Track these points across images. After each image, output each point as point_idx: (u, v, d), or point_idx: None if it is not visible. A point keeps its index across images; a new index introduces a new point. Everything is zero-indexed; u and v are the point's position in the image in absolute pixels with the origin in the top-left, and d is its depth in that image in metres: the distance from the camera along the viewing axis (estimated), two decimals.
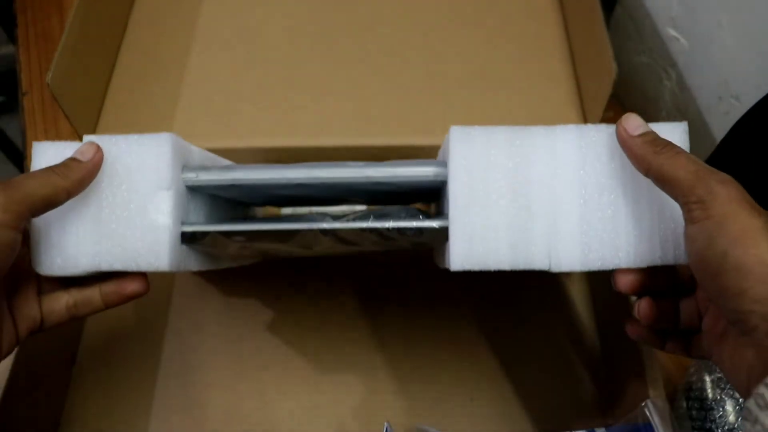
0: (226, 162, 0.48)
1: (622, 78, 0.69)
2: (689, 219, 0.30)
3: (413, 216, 0.37)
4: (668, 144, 0.33)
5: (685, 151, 0.32)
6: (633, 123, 0.34)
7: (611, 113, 0.70)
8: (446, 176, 0.37)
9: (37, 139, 0.68)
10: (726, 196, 0.29)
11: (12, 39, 0.81)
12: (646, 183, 0.34)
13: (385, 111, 0.56)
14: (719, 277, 0.28)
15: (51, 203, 0.34)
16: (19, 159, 1.11)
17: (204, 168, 0.39)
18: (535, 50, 0.60)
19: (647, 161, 0.33)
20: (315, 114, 0.56)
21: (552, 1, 0.64)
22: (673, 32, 0.61)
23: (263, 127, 0.55)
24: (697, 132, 0.61)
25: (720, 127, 0.57)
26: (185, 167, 0.38)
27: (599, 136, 0.36)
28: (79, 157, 0.35)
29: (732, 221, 0.28)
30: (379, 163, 0.39)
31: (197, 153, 0.42)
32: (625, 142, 0.34)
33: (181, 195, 0.38)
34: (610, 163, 0.36)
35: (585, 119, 0.55)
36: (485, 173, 0.36)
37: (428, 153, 0.55)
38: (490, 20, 0.62)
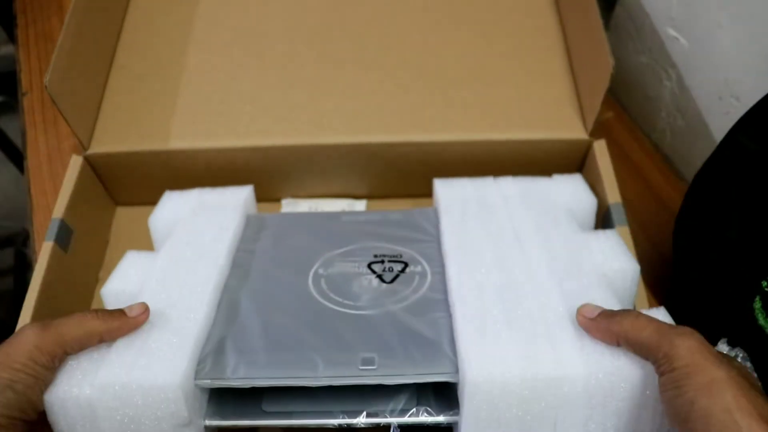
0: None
1: (621, 78, 0.69)
2: (659, 372, 0.33)
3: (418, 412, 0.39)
4: (624, 311, 0.36)
5: (642, 313, 0.36)
6: (588, 308, 0.38)
7: (611, 114, 0.70)
8: (457, 380, 0.37)
9: (36, 139, 0.68)
10: (687, 348, 0.32)
11: (12, 39, 0.81)
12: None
13: (383, 108, 0.56)
14: (688, 424, 0.31)
15: (84, 344, 0.37)
16: (19, 159, 1.11)
17: (218, 376, 0.39)
18: (531, 46, 0.60)
19: (613, 334, 0.36)
20: (313, 112, 0.56)
21: (550, 5, 0.64)
22: (672, 32, 0.61)
23: (262, 125, 0.55)
24: (697, 132, 0.61)
25: (720, 127, 0.57)
26: (197, 374, 0.38)
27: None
28: (126, 311, 0.39)
29: (697, 372, 0.31)
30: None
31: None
32: (588, 328, 0.37)
33: (197, 398, 0.39)
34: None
35: (582, 114, 0.55)
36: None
37: (425, 149, 0.55)
38: (486, 17, 0.62)
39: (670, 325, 0.34)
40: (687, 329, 0.33)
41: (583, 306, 0.38)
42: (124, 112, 0.57)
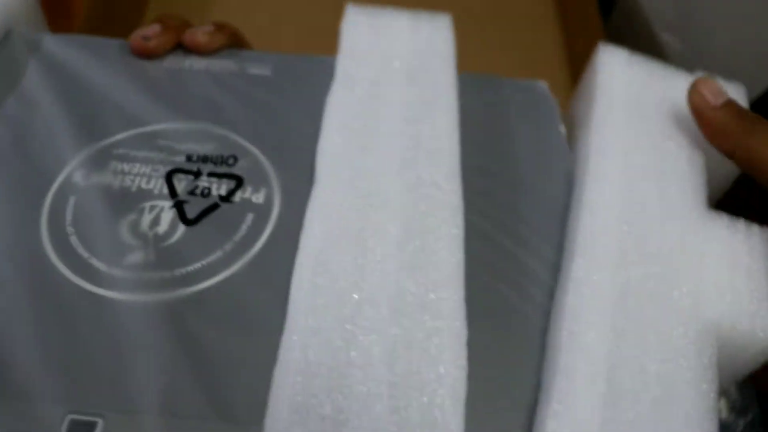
0: None
1: None
2: None
3: None
4: (758, 120, 0.26)
5: None
6: (714, 89, 0.27)
7: None
8: None
9: None
10: None
11: None
12: None
13: None
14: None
15: None
16: None
17: None
18: (534, 59, 0.61)
19: (734, 142, 0.26)
20: None
21: (552, 10, 0.65)
22: (668, 36, 0.62)
23: None
24: None
25: None
26: None
27: None
28: None
29: None
30: None
31: None
32: (702, 115, 0.27)
33: None
34: None
35: None
36: None
37: None
38: (489, 29, 0.64)
39: None
40: None
41: (704, 82, 0.27)
42: None
